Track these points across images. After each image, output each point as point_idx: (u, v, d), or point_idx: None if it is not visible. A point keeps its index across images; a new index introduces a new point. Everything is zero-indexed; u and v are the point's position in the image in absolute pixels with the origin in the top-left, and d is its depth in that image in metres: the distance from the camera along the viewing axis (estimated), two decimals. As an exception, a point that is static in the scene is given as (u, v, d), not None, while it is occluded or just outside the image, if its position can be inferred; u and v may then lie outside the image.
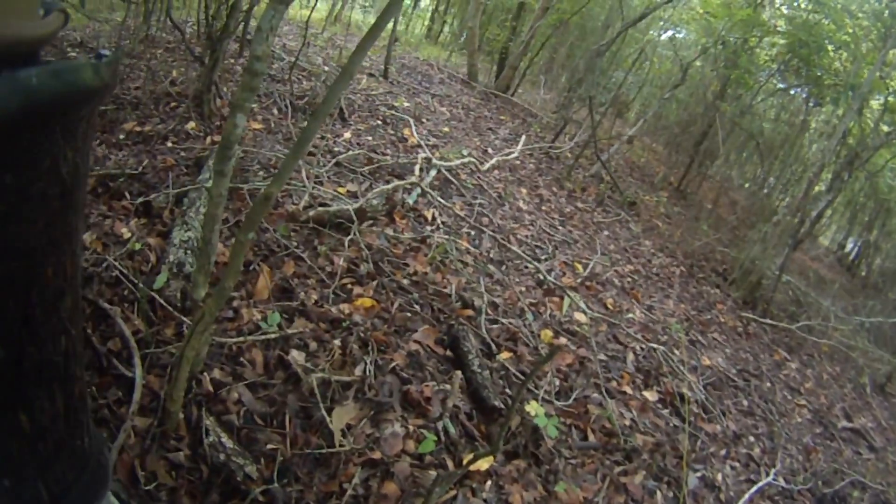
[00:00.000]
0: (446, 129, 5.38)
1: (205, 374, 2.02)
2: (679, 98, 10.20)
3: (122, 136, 3.55)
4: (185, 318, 2.23)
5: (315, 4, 6.95)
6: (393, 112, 5.18)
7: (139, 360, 1.97)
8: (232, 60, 5.68)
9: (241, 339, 2.19)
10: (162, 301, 2.25)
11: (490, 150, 5.18)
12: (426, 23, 16.05)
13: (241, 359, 2.14)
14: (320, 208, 3.12)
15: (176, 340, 2.19)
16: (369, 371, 2.20)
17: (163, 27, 6.52)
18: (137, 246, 2.43)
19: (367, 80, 6.30)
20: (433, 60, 9.17)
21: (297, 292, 2.54)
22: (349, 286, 2.65)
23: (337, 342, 2.28)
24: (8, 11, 0.24)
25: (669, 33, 12.04)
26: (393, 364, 2.28)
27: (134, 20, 6.23)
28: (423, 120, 5.30)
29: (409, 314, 2.63)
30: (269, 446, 1.87)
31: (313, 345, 2.26)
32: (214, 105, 4.00)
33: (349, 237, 2.94)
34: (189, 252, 2.46)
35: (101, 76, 0.28)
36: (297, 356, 2.17)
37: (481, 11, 9.98)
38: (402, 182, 3.80)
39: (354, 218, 3.06)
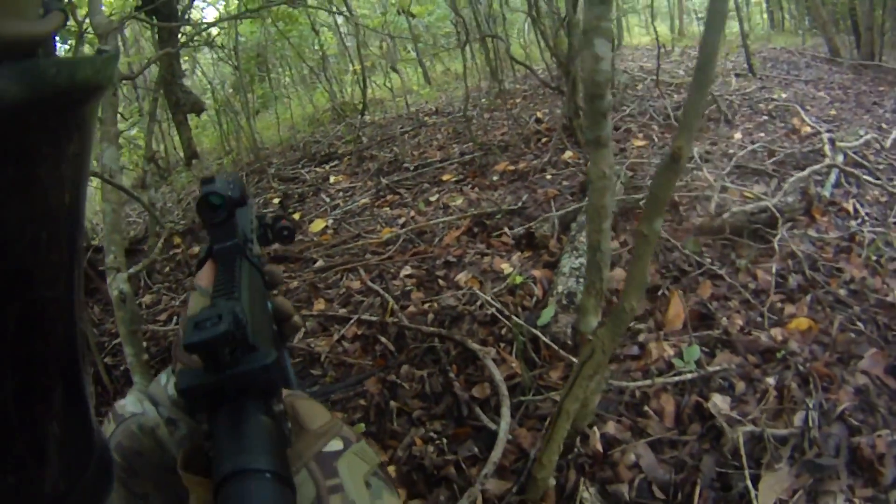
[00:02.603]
0: (832, 111, 4.86)
1: (594, 428, 1.65)
2: None
3: (495, 178, 3.59)
4: (574, 360, 1.93)
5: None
6: (775, 104, 4.83)
7: (507, 409, 1.71)
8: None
9: (648, 382, 1.80)
10: (547, 340, 1.99)
11: (885, 126, 4.46)
12: (764, 14, 15.40)
13: (646, 408, 1.75)
14: (734, 211, 2.65)
15: (563, 386, 1.90)
16: (812, 419, 1.66)
17: (513, 80, 6.94)
18: (519, 279, 2.24)
19: (737, 81, 6.02)
20: (791, 48, 8.76)
21: (717, 318, 2.08)
22: (779, 304, 2.18)
23: (770, 380, 1.80)
24: (7, 10, 0.22)
25: None
26: (840, 408, 1.72)
27: (482, 83, 6.76)
28: (807, 107, 4.86)
29: (851, 335, 2.05)
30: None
31: (740, 386, 1.81)
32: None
33: (770, 244, 2.47)
34: (581, 280, 2.17)
35: (112, 72, 0.27)
36: (719, 402, 1.74)
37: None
38: (818, 165, 3.23)
39: (779, 217, 2.55)
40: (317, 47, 7.19)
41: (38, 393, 0.27)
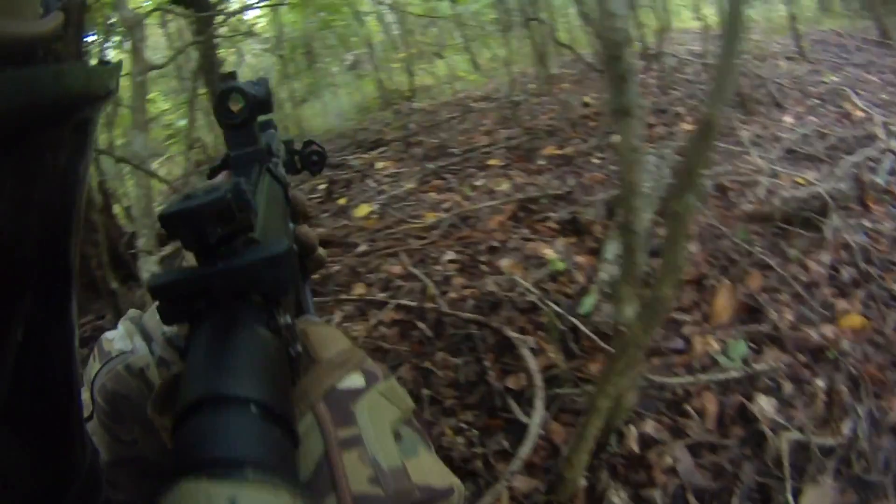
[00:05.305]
0: (884, 96, 4.55)
1: (631, 426, 1.57)
2: None
3: (541, 162, 3.52)
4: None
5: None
6: (826, 88, 4.64)
7: (542, 401, 1.65)
8: (643, 75, 5.58)
9: (691, 378, 1.70)
10: (587, 330, 1.92)
11: (942, 110, 4.29)
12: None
13: (687, 406, 1.66)
14: (785, 197, 2.53)
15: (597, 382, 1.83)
16: (861, 429, 1.54)
17: (562, 65, 6.80)
18: (560, 266, 2.17)
19: (787, 64, 5.76)
20: (840, 30, 8.08)
21: (766, 312, 1.95)
22: (830, 299, 2.04)
23: (820, 383, 1.68)
24: (7, 10, 0.22)
25: None
26: (891, 417, 1.59)
27: (530, 69, 6.66)
28: (858, 91, 4.58)
29: (907, 337, 1.93)
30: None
31: (788, 387, 1.69)
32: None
33: (822, 233, 2.32)
34: (626, 267, 2.10)
35: (114, 82, 0.27)
36: (764, 405, 1.63)
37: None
38: (871, 149, 3.03)
39: (832, 204, 2.40)
40: (362, 35, 7.22)
41: (27, 397, 0.25)
